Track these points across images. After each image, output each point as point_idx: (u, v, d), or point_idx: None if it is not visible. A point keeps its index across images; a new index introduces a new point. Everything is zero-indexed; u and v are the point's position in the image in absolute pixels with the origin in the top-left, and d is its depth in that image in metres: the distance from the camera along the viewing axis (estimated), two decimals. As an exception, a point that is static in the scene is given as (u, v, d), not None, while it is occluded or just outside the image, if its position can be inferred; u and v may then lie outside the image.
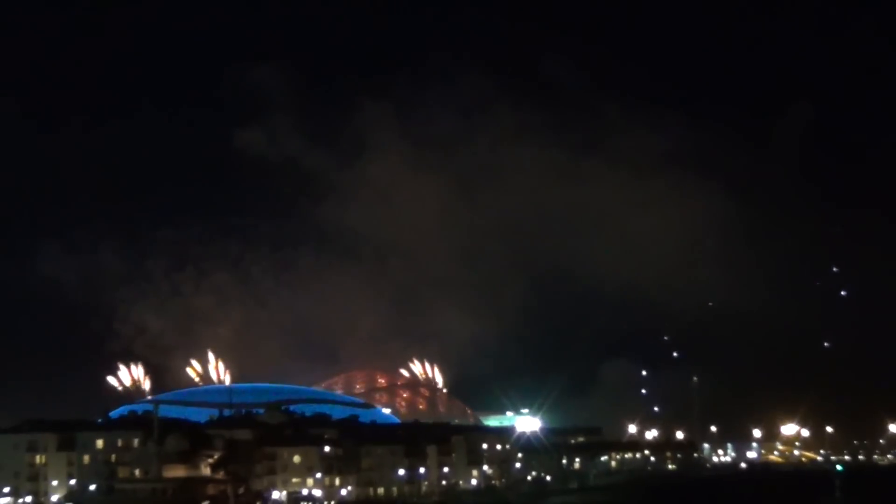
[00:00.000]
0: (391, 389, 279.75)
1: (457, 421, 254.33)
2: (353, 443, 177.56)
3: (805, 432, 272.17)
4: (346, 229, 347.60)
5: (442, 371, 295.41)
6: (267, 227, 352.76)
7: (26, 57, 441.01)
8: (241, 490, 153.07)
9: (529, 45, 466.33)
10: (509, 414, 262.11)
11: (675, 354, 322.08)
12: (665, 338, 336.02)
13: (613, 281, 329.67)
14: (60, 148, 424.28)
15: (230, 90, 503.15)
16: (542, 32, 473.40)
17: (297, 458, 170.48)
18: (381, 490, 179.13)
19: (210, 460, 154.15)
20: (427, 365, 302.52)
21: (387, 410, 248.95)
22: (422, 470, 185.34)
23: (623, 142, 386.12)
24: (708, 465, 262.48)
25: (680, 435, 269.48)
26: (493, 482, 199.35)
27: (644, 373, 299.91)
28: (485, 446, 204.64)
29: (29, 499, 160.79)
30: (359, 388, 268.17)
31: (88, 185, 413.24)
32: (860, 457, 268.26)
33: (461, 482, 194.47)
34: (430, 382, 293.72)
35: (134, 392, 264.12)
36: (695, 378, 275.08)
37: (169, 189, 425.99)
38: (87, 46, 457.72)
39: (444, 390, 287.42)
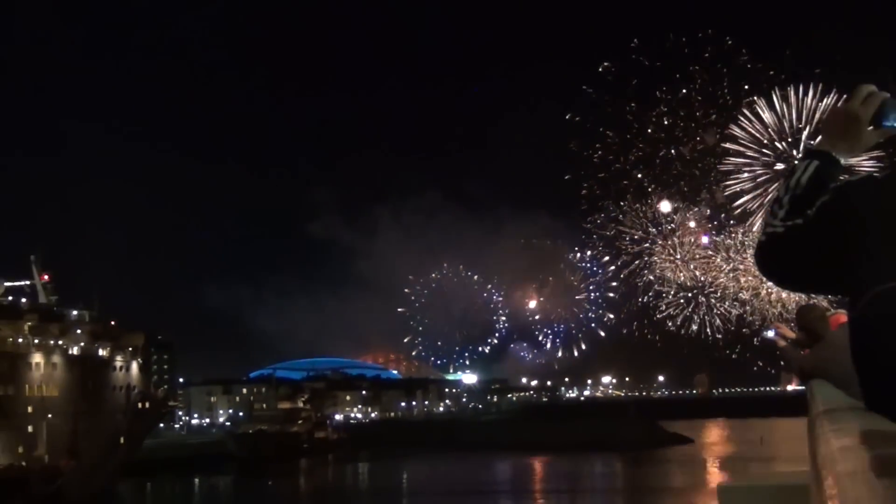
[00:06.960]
0: (395, 360, 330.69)
1: (431, 377, 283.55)
2: (378, 389, 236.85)
3: (614, 380, 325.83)
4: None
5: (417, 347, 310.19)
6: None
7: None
8: (318, 414, 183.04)
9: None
10: (458, 373, 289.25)
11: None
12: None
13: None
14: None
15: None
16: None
17: (348, 397, 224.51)
18: (392, 414, 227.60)
19: (302, 399, 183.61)
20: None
21: (394, 371, 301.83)
22: (414, 403, 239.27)
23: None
24: (563, 399, 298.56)
25: (549, 382, 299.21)
26: (452, 409, 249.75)
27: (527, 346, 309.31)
28: (447, 390, 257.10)
29: (206, 421, 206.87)
30: (381, 361, 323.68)
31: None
32: (645, 393, 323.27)
33: (434, 410, 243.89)
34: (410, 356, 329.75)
35: None
36: (558, 354, 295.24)
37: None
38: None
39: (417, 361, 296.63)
